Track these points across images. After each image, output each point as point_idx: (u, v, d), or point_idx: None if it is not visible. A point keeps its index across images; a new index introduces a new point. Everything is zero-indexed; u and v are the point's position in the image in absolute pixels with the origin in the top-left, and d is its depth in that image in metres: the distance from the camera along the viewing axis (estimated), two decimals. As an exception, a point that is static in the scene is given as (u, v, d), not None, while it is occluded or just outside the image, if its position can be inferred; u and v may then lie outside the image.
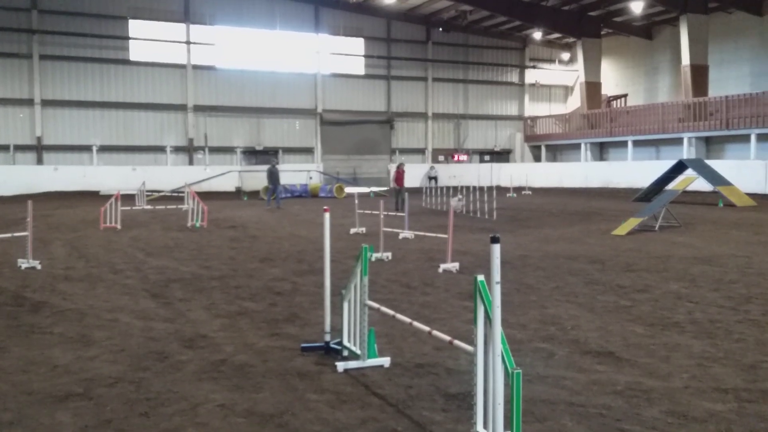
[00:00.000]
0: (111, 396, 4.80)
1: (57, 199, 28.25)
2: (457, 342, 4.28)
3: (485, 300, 3.55)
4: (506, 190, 32.88)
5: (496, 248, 3.41)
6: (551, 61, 47.62)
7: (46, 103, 34.76)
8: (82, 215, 20.33)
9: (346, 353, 5.66)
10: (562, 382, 5.05)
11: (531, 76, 46.98)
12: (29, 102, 34.45)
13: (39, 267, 10.44)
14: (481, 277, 3.62)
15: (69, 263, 11.13)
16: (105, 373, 5.32)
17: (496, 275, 3.41)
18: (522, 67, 46.68)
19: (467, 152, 45.14)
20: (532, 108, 46.96)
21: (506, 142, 46.54)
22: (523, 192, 33.50)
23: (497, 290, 3.43)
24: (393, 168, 19.89)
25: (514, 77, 46.73)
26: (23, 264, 10.46)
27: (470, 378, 3.91)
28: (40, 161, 34.67)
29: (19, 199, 24.47)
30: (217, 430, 4.23)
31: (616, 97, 44.30)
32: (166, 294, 8.53)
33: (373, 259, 10.95)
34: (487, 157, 45.71)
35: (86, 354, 5.85)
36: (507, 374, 3.49)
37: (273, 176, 24.63)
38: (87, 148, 35.21)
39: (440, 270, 10.08)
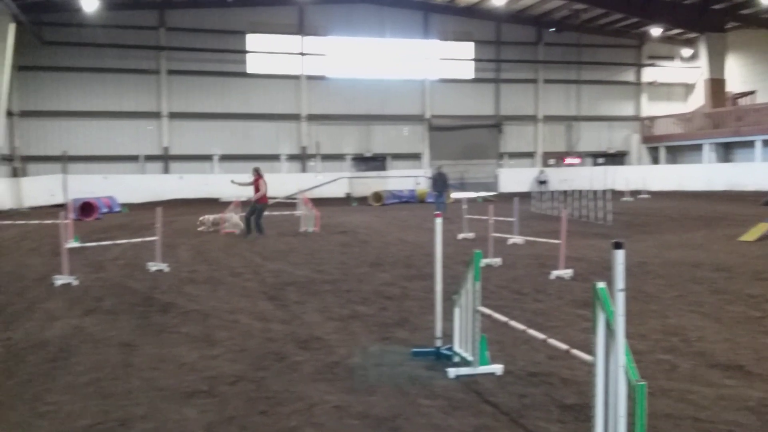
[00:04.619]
0: (233, 394, 5.02)
1: (181, 206, 29.98)
2: (574, 351, 4.15)
3: (606, 308, 3.43)
4: (621, 194, 31.56)
5: (620, 254, 3.28)
6: (670, 58, 45.26)
7: (173, 116, 37.03)
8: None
9: (457, 359, 5.63)
10: (687, 396, 4.78)
11: (649, 74, 44.90)
12: (157, 114, 36.85)
13: (167, 270, 11.11)
14: (601, 284, 3.49)
15: (193, 266, 11.77)
16: (227, 371, 5.57)
17: (620, 282, 3.28)
18: (639, 66, 44.70)
19: (579, 155, 43.77)
20: (650, 108, 44.82)
21: (621, 144, 44.71)
22: (640, 196, 32.03)
23: (621, 298, 3.29)
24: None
25: (630, 76, 44.82)
26: (152, 267, 11.18)
27: (588, 389, 3.78)
28: (166, 170, 37.00)
29: (148, 206, 26.16)
30: (332, 430, 4.33)
31: (743, 95, 41.46)
32: (282, 297, 8.84)
33: (482, 264, 10.81)
34: (600, 160, 44.10)
35: (210, 353, 6.16)
36: (629, 386, 3.35)
37: (441, 182, 23.82)
38: (208, 158, 37.19)
39: (552, 276, 9.82)
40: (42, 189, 31.57)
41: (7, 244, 15.70)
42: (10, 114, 32.78)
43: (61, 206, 23.46)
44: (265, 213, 17.42)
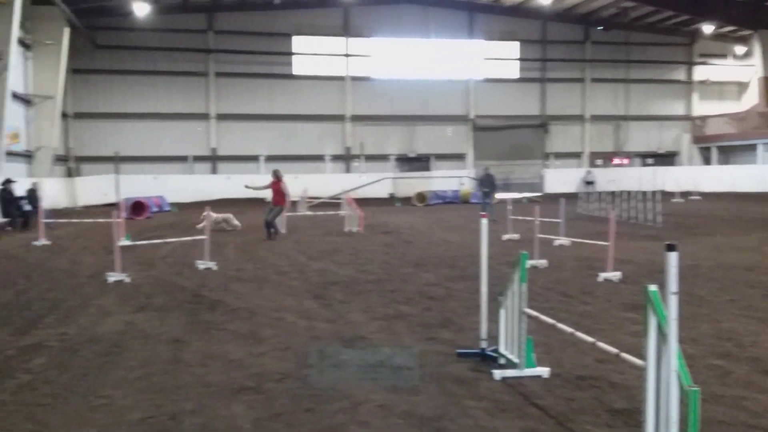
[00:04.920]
0: (279, 391, 5.08)
1: (228, 206, 30.40)
2: (624, 355, 4.07)
3: (658, 312, 3.35)
4: (671, 195, 30.82)
5: (673, 256, 3.21)
6: (723, 56, 43.99)
7: (221, 117, 37.71)
8: (250, 220, 21.73)
9: (502, 361, 5.58)
10: (741, 403, 4.65)
11: (700, 72, 43.74)
12: (205, 116, 37.57)
13: (215, 268, 11.31)
14: (653, 287, 3.42)
15: (240, 265, 11.96)
16: (274, 368, 5.64)
17: (673, 285, 3.20)
18: (690, 64, 43.61)
19: (628, 155, 42.90)
20: (702, 107, 43.67)
21: (672, 144, 43.68)
22: (691, 197, 31.22)
23: (674, 302, 3.22)
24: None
25: (680, 75, 43.78)
26: (201, 265, 11.39)
27: (637, 394, 3.71)
28: (214, 171, 37.69)
29: (196, 206, 26.67)
30: (378, 429, 4.34)
31: (801, 93, 40.08)
32: (327, 295, 8.90)
33: (528, 266, 10.68)
34: (649, 160, 43.16)
35: (257, 350, 6.24)
36: (681, 392, 3.27)
37: (488, 183, 22.18)
38: (255, 158, 37.71)
39: (600, 279, 9.65)
40: (95, 188, 32.51)
41: (62, 242, 16.22)
42: (64, 116, 33.88)
43: (113, 205, 24.11)
44: (309, 213, 17.51)
